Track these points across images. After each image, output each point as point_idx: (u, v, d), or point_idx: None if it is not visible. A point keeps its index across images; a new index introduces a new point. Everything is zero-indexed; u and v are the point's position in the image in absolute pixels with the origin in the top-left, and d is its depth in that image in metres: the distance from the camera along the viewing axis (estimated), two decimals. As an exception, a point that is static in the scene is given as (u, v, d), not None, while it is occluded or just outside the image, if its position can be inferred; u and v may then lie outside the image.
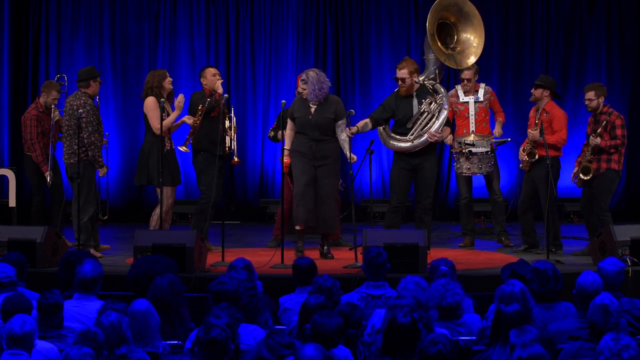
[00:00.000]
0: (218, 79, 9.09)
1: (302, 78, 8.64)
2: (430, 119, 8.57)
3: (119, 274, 7.27)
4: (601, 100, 8.74)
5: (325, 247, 8.61)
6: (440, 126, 8.58)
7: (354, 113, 8.72)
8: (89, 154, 8.76)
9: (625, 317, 5.26)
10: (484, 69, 11.79)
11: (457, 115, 9.71)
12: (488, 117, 9.71)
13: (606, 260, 5.79)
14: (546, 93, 9.00)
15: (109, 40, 12.56)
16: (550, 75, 12.55)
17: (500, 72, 12.67)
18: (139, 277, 5.82)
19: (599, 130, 8.64)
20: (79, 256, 6.10)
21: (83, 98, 8.81)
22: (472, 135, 9.50)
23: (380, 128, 8.88)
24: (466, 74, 9.59)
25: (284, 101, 8.46)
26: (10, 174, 10.63)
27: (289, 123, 8.59)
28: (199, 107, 8.84)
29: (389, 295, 5.86)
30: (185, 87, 12.35)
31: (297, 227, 8.52)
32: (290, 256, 8.05)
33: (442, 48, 8.90)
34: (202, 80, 9.19)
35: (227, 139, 8.84)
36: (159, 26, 12.67)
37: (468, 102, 9.64)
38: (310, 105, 8.52)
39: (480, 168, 9.49)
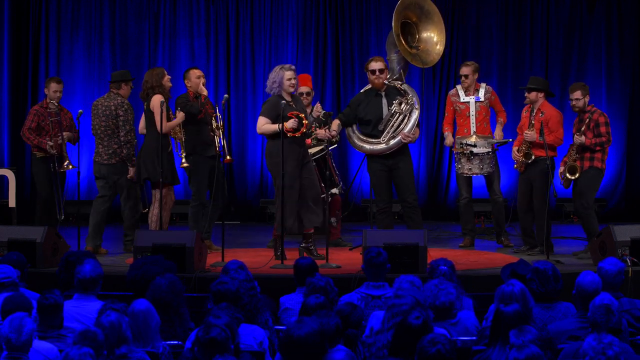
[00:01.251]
0: (202, 81, 9.04)
1: (293, 68, 8.40)
2: (402, 120, 8.57)
3: (119, 274, 7.27)
4: (586, 99, 8.76)
5: (311, 242, 8.48)
6: (412, 127, 8.58)
7: (332, 114, 8.73)
8: (124, 152, 8.84)
9: (625, 317, 5.25)
10: (484, 69, 11.79)
11: (457, 114, 9.71)
12: (489, 117, 9.71)
13: (606, 260, 5.79)
14: (541, 94, 9.02)
15: (109, 40, 12.56)
16: (550, 75, 12.58)
17: (500, 72, 12.67)
18: (136, 279, 5.82)
19: (582, 129, 8.66)
20: (79, 256, 6.09)
21: (119, 98, 8.96)
22: (474, 136, 9.49)
23: (349, 129, 8.85)
24: (464, 70, 9.60)
25: (283, 101, 8.44)
26: (10, 174, 10.63)
27: (264, 120, 8.32)
28: (175, 115, 8.73)
29: (389, 296, 5.86)
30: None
31: (278, 233, 8.32)
32: (290, 256, 8.04)
33: (407, 47, 8.90)
34: (185, 82, 9.11)
35: (216, 138, 8.79)
36: (159, 26, 12.67)
37: (469, 101, 9.64)
38: (288, 101, 8.40)
39: (482, 169, 9.49)
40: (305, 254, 8.32)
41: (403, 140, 8.57)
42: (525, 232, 9.18)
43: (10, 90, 12.43)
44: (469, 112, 9.63)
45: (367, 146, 8.68)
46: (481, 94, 9.66)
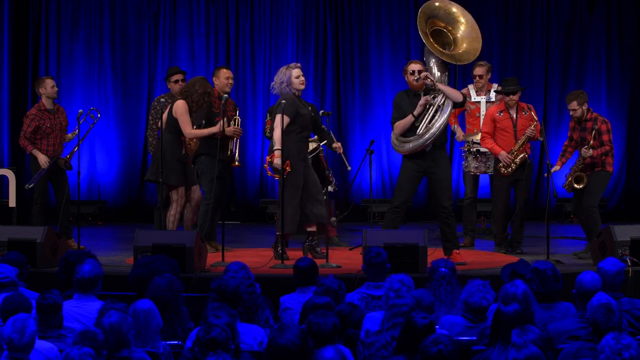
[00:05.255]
0: (230, 82, 9.12)
1: (299, 66, 8.42)
2: (435, 112, 8.28)
3: (119, 274, 7.27)
4: (585, 107, 8.71)
5: (315, 241, 8.47)
6: (445, 120, 8.30)
7: (330, 114, 8.68)
8: None
9: (626, 317, 5.25)
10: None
11: (467, 114, 9.71)
12: None
13: (606, 261, 5.79)
14: (519, 93, 9.05)
15: (109, 40, 12.57)
16: (550, 75, 12.61)
17: (500, 72, 12.67)
18: (143, 277, 5.81)
19: (591, 142, 8.62)
20: (78, 256, 6.09)
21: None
22: (480, 134, 9.50)
23: (394, 137, 8.52)
24: (478, 71, 9.60)
25: (284, 101, 8.43)
26: (10, 174, 10.62)
27: (286, 120, 8.19)
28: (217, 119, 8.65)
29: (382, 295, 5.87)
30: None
31: (279, 233, 8.29)
32: (291, 256, 8.04)
33: (440, 49, 8.76)
34: (214, 79, 9.18)
35: (230, 142, 8.78)
36: (159, 26, 12.67)
37: (480, 102, 9.65)
38: (302, 102, 8.43)
39: (488, 167, 9.50)
40: (310, 254, 8.34)
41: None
42: (500, 235, 9.19)
43: (10, 90, 12.44)
44: (479, 113, 9.65)
45: (408, 145, 8.34)
46: (492, 94, 9.66)
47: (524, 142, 8.92)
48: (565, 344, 5.02)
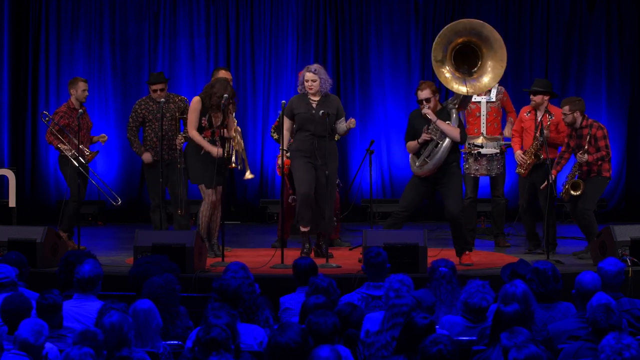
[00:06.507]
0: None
1: (312, 70, 8.47)
2: (435, 146, 8.20)
3: (119, 274, 7.27)
4: (577, 115, 8.63)
5: (323, 246, 8.55)
6: (444, 153, 8.14)
7: (329, 114, 8.70)
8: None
9: (626, 317, 5.26)
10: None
11: (468, 114, 9.71)
12: (499, 118, 9.70)
13: (606, 261, 5.79)
14: (546, 97, 9.07)
15: (109, 40, 12.57)
16: (550, 75, 12.58)
17: (500, 72, 12.66)
18: (137, 276, 5.82)
19: (586, 147, 8.61)
20: (78, 256, 6.09)
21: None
22: (481, 137, 9.50)
23: (411, 156, 8.47)
24: None
25: (284, 101, 8.43)
26: (10, 174, 10.62)
27: (287, 122, 8.48)
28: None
29: (381, 295, 5.87)
30: (185, 87, 12.34)
31: (303, 229, 8.45)
32: (292, 256, 8.03)
33: (455, 73, 8.48)
34: (213, 80, 9.12)
35: (227, 143, 8.75)
36: (159, 26, 12.67)
37: (480, 101, 9.63)
38: (311, 100, 8.48)
39: (489, 170, 9.50)
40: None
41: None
42: (530, 234, 9.20)
43: (10, 90, 12.44)
44: (480, 112, 9.63)
45: (414, 167, 8.37)
46: (493, 94, 9.64)
47: (537, 143, 8.91)
48: (565, 344, 5.02)
